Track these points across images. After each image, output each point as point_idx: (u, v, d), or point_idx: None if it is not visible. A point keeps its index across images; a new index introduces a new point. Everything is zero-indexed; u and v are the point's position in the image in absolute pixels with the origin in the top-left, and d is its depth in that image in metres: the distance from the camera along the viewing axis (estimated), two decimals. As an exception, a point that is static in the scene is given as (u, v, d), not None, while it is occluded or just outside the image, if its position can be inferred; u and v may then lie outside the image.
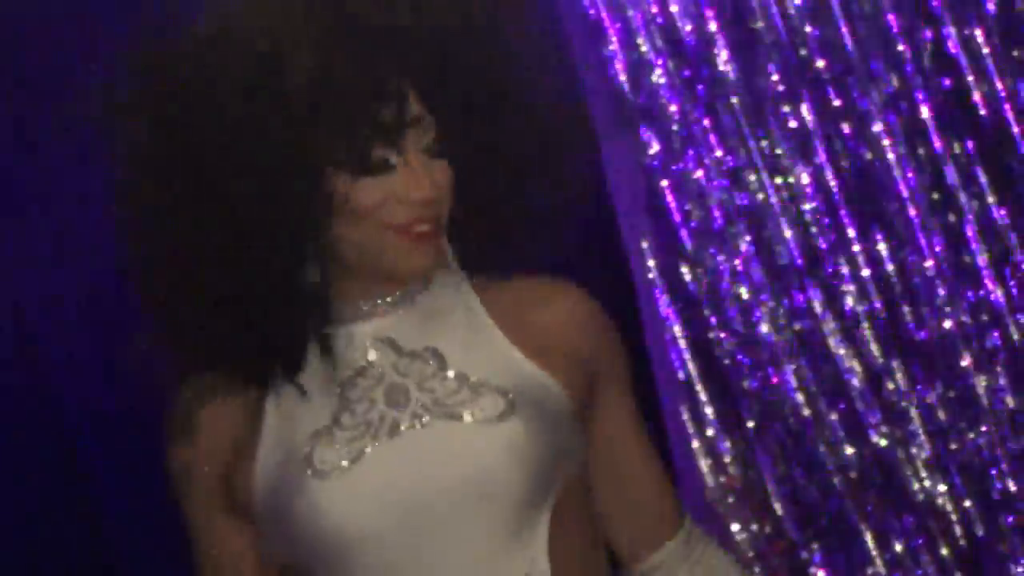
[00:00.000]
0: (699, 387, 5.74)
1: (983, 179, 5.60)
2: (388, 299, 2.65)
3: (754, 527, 5.78)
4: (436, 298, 2.68)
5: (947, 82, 5.47)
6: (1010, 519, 5.69)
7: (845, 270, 5.67)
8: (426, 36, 2.53)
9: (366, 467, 2.53)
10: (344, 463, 2.54)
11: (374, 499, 2.53)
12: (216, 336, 2.63)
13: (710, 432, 5.78)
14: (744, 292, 5.72)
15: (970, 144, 5.59)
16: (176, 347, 2.69)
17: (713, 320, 5.78)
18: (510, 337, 2.67)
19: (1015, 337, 5.59)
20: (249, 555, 2.71)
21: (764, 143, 5.68)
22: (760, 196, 5.75)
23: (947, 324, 5.60)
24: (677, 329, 5.77)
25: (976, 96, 5.44)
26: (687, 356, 5.76)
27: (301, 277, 2.58)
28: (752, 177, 5.74)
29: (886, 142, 5.67)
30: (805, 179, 5.69)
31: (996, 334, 5.63)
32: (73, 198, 6.12)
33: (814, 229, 5.70)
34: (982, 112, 5.52)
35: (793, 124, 5.62)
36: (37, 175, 5.96)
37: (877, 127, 5.62)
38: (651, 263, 5.76)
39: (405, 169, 2.51)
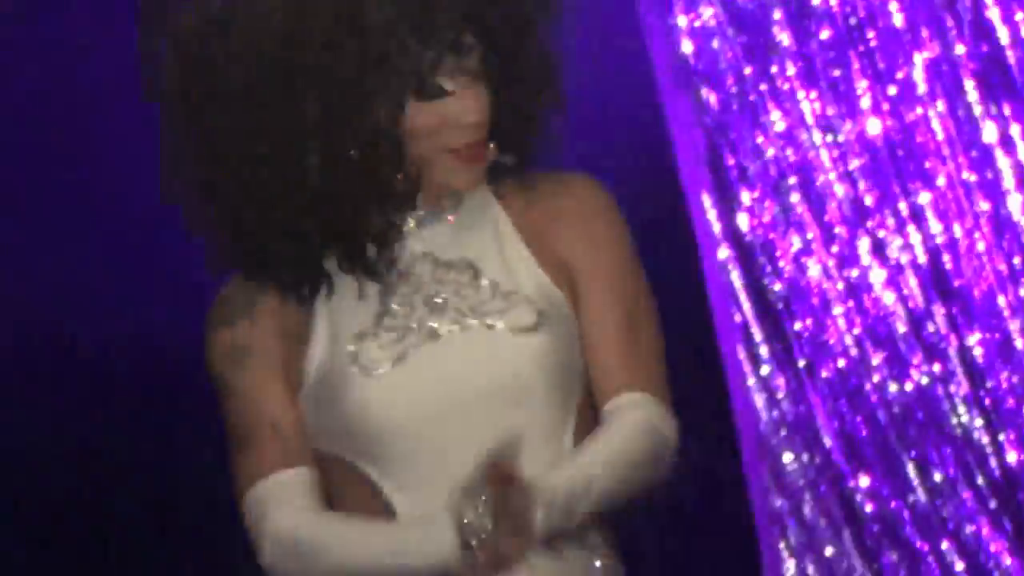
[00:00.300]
0: (755, 329, 6.06)
1: (1018, 138, 5.96)
2: (423, 213, 2.83)
3: (804, 458, 6.13)
4: (467, 212, 2.85)
5: (985, 48, 5.85)
6: None
7: (890, 222, 6.01)
8: None
9: (408, 367, 2.68)
10: (388, 362, 2.70)
11: (414, 397, 2.68)
12: (293, 232, 2.79)
13: (765, 370, 6.13)
14: (796, 241, 6.06)
15: (1006, 105, 5.96)
16: (244, 248, 2.83)
17: (767, 267, 6.12)
18: (531, 250, 2.84)
19: None
20: (300, 426, 2.84)
21: (816, 104, 6.03)
22: (811, 153, 6.09)
23: (985, 272, 5.97)
24: (735, 275, 6.10)
25: (1012, 60, 5.82)
26: (744, 300, 6.09)
27: (369, 182, 2.76)
28: (804, 135, 6.08)
29: (928, 104, 6.04)
30: (853, 137, 6.02)
31: None
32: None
33: (861, 184, 6.06)
34: (1017, 76, 5.88)
35: (842, 87, 5.98)
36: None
37: (921, 90, 5.97)
38: (711, 215, 6.09)
39: (459, 93, 2.69)
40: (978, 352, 6.13)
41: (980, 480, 6.19)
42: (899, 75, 6.06)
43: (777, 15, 5.98)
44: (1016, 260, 6.13)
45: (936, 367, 6.17)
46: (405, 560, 2.65)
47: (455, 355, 2.73)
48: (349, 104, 2.66)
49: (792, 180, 6.12)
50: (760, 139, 6.09)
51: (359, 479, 2.77)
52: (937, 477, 6.22)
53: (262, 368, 2.82)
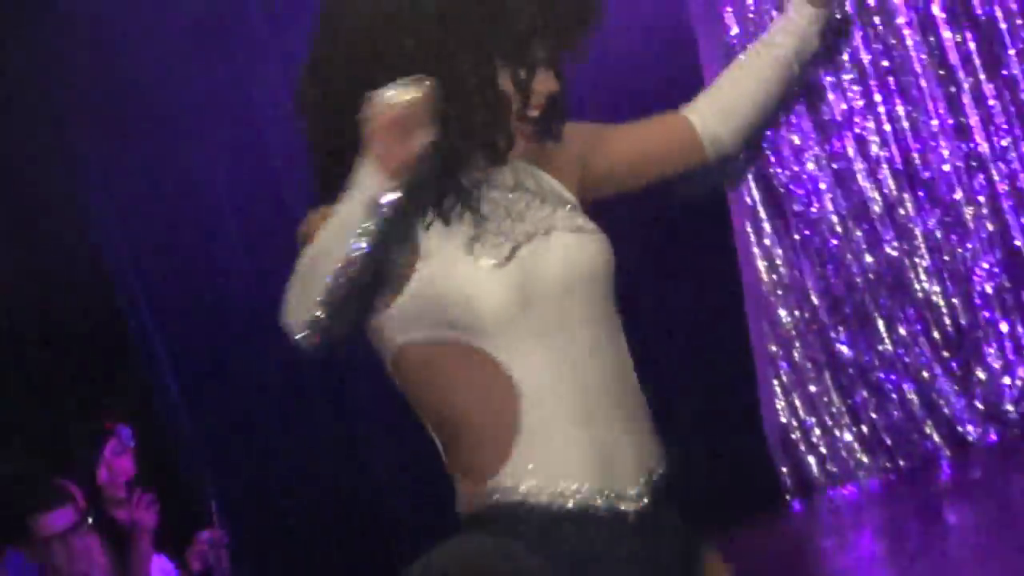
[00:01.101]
0: (760, 208, 7.16)
1: (977, 61, 7.10)
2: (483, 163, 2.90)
3: (796, 313, 7.19)
4: (512, 166, 2.92)
5: None
6: (986, 313, 7.25)
7: (871, 125, 7.11)
8: None
9: (519, 261, 2.80)
10: (503, 258, 2.80)
11: (530, 285, 2.80)
12: None
13: (767, 241, 7.21)
14: (796, 139, 7.16)
15: (968, 34, 7.09)
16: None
17: (773, 159, 7.20)
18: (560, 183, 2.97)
19: (996, 179, 7.12)
20: None
21: None
22: None
23: (946, 167, 7.08)
24: None
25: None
26: (752, 185, 7.15)
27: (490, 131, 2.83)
28: None
29: (906, 32, 7.12)
30: (845, 56, 7.05)
31: (982, 176, 7.17)
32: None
33: (849, 93, 7.18)
34: (979, 12, 7.04)
35: (837, 15, 6.93)
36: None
37: (900, 20, 7.06)
38: None
39: (543, 71, 2.86)
40: (938, 232, 7.25)
41: (936, 334, 7.34)
42: (883, 8, 7.16)
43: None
44: (972, 160, 7.24)
45: (904, 243, 7.27)
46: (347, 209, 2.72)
47: (554, 251, 2.85)
48: (485, 68, 2.81)
49: None
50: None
51: (482, 359, 2.85)
52: (902, 331, 7.36)
53: None
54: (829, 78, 7.23)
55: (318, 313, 2.74)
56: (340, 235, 2.70)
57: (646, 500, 2.87)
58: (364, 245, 2.72)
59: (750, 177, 7.24)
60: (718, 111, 3.07)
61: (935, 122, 7.35)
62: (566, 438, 2.86)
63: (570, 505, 2.85)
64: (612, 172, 3.04)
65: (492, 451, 2.87)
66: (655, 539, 2.89)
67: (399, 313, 2.83)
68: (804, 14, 3.04)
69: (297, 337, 2.74)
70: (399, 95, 2.63)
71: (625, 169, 3.06)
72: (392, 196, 2.67)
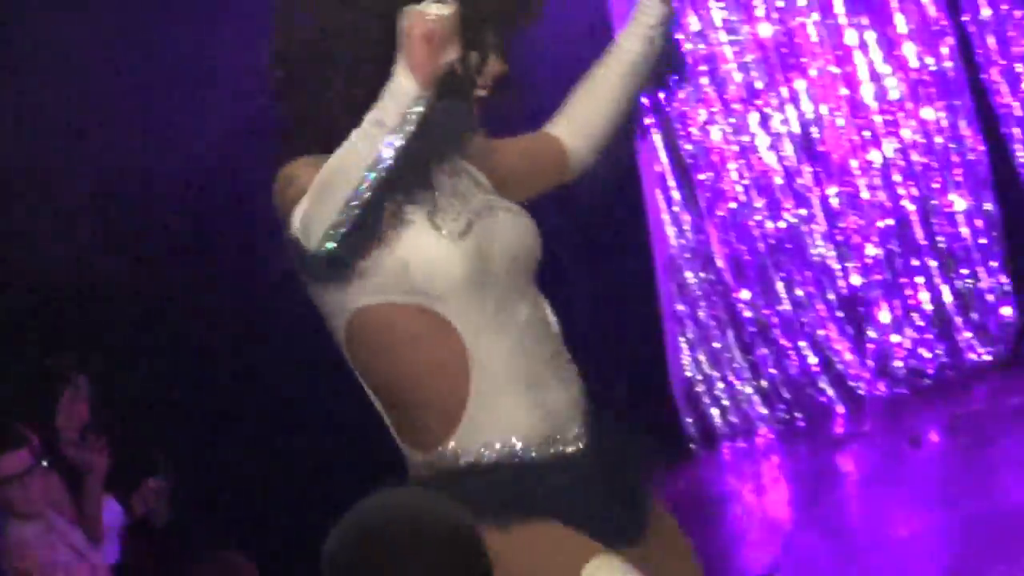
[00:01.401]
0: (669, 177, 7.51)
1: (872, 42, 7.45)
2: None
3: (701, 275, 7.54)
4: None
5: None
6: (877, 276, 7.59)
7: (773, 101, 7.46)
8: None
9: (472, 236, 2.94)
10: (460, 231, 2.94)
11: (480, 259, 2.93)
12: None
13: (676, 208, 7.54)
14: (703, 114, 7.51)
15: (863, 17, 7.42)
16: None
17: (681, 132, 7.53)
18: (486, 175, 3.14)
19: (888, 154, 7.51)
20: None
21: (722, 12, 7.44)
22: (717, 48, 7.51)
23: (842, 141, 7.45)
24: (657, 137, 7.47)
25: None
26: (663, 156, 7.48)
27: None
28: (712, 35, 7.49)
29: (806, 13, 7.43)
30: (749, 37, 7.46)
31: (878, 149, 7.50)
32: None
33: (753, 73, 7.52)
34: None
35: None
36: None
37: (801, 2, 7.37)
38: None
39: (493, 55, 3.02)
40: (834, 201, 7.57)
41: (831, 296, 7.67)
42: None
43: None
44: (866, 133, 7.55)
45: (803, 211, 7.60)
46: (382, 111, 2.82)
47: (501, 227, 3.01)
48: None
49: (703, 67, 7.50)
50: (680, 36, 6.97)
51: (439, 322, 2.96)
52: (799, 292, 7.68)
53: None
54: (734, 58, 7.50)
55: (344, 217, 2.82)
56: (372, 135, 2.77)
57: (585, 440, 3.01)
58: (396, 145, 2.77)
59: (660, 148, 7.51)
60: (577, 129, 3.26)
61: (832, 104, 7.62)
62: (515, 400, 3.00)
63: (522, 458, 2.99)
64: (504, 185, 3.14)
65: (444, 415, 2.99)
66: (598, 472, 3.02)
67: (362, 276, 2.90)
68: (650, 14, 3.19)
69: (316, 246, 2.83)
70: (434, 9, 2.75)
71: (511, 184, 3.16)
72: (422, 104, 2.74)
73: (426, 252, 2.91)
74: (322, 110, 3.00)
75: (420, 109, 2.74)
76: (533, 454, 3.00)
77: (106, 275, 6.99)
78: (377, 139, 2.78)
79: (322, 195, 2.81)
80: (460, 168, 3.07)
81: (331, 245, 2.83)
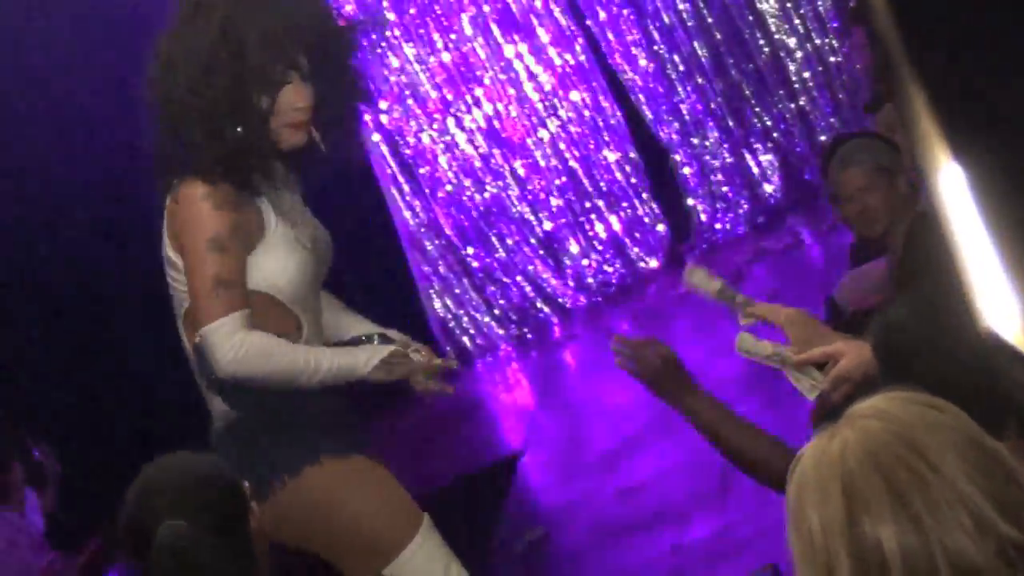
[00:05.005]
0: (398, 174, 8.49)
1: (525, 52, 8.45)
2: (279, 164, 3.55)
3: (436, 241, 8.41)
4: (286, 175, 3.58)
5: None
6: (562, 220, 8.59)
7: (463, 107, 8.47)
8: (312, 24, 3.47)
9: (313, 249, 3.50)
10: (310, 247, 3.51)
11: (316, 266, 3.52)
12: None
13: (408, 196, 8.53)
14: (414, 124, 8.56)
15: (522, 43, 8.46)
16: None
17: (400, 141, 8.52)
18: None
19: (553, 130, 8.52)
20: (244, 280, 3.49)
21: (412, 49, 8.46)
22: (414, 77, 8.53)
23: (518, 127, 8.52)
24: (385, 149, 8.44)
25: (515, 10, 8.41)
26: (391, 159, 8.48)
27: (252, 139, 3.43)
28: (410, 67, 8.52)
29: (473, 40, 8.43)
30: (437, 63, 8.48)
31: (545, 128, 8.50)
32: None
33: (444, 88, 8.51)
34: (519, 17, 8.41)
35: (421, 33, 8.42)
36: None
37: (468, 32, 8.40)
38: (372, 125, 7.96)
39: (294, 88, 3.44)
40: (521, 172, 8.70)
41: (533, 240, 8.75)
42: (455, 24, 8.56)
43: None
44: (534, 118, 8.67)
45: (500, 183, 8.75)
46: (341, 360, 3.41)
47: (323, 241, 3.56)
48: (246, 82, 3.39)
49: (407, 92, 8.66)
50: (386, 72, 8.53)
51: (284, 309, 3.44)
52: (509, 242, 8.81)
53: (244, 240, 3.47)
54: (427, 80, 8.40)
55: (246, 382, 3.39)
56: (323, 377, 3.44)
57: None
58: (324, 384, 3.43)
59: (388, 155, 8.51)
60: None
61: (504, 100, 8.60)
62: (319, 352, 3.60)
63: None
64: None
65: None
66: (350, 407, 3.66)
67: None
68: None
69: (217, 368, 3.36)
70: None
71: None
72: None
73: (288, 262, 3.54)
74: (184, 133, 3.42)
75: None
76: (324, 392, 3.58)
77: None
78: (318, 382, 3.45)
79: (253, 363, 3.39)
80: (299, 218, 3.64)
81: (225, 378, 3.45)
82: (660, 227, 8.87)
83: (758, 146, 8.69)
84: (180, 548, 2.50)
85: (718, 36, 8.57)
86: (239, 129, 3.45)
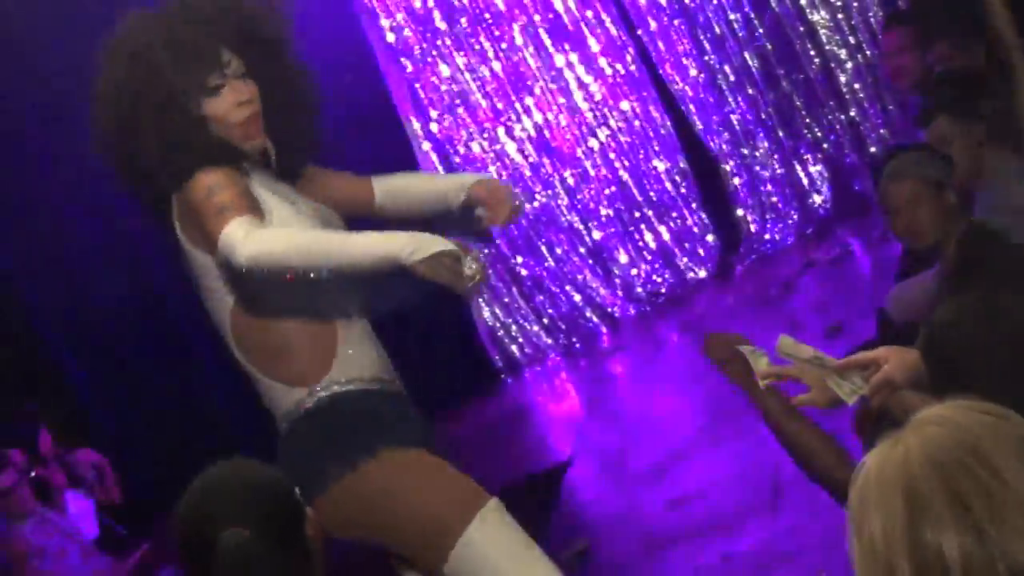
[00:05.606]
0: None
1: (575, 62, 8.52)
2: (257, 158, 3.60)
3: (486, 251, 8.08)
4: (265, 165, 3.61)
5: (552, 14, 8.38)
6: (612, 230, 8.59)
7: (513, 116, 8.51)
8: (234, 18, 3.48)
9: (312, 216, 3.55)
10: (311, 214, 3.55)
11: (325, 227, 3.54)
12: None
13: None
14: (464, 134, 8.58)
15: (573, 53, 8.52)
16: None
17: (451, 149, 8.53)
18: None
19: (603, 139, 8.53)
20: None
21: (463, 58, 8.49)
22: (465, 86, 8.57)
23: (568, 136, 8.56)
24: (434, 156, 8.46)
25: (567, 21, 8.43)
26: (439, 165, 8.47)
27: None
28: (460, 76, 8.54)
29: (523, 49, 8.48)
30: (489, 74, 8.51)
31: (595, 137, 8.52)
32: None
33: (495, 98, 8.57)
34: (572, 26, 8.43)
35: (476, 44, 8.46)
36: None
37: (519, 41, 8.45)
38: (416, 124, 8.42)
39: (230, 88, 3.45)
40: (570, 181, 8.73)
41: (582, 249, 8.78)
42: (506, 34, 8.58)
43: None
44: (584, 128, 8.65)
45: (549, 192, 8.74)
46: (379, 245, 3.20)
47: (327, 214, 3.63)
48: (176, 101, 3.45)
49: (458, 101, 8.67)
50: (436, 81, 8.62)
51: None
52: (558, 251, 8.82)
53: (240, 186, 3.50)
54: (478, 89, 8.42)
55: (274, 271, 3.26)
56: (351, 263, 3.23)
57: (398, 382, 3.66)
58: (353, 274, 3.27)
59: (437, 163, 8.46)
60: (389, 196, 3.82)
61: (554, 110, 8.59)
62: (362, 350, 3.59)
63: (370, 387, 3.53)
64: (325, 204, 3.77)
65: (318, 363, 3.53)
66: (412, 407, 3.62)
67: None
68: (458, 204, 3.76)
69: (240, 261, 3.25)
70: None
71: (327, 204, 3.75)
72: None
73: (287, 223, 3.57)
74: (144, 162, 3.50)
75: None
76: (376, 385, 3.59)
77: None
78: (350, 266, 3.26)
79: (278, 248, 3.26)
80: (295, 197, 3.68)
81: (250, 268, 3.35)
82: (709, 237, 8.89)
83: (808, 157, 8.70)
84: (243, 554, 2.49)
85: (769, 47, 8.59)
86: (190, 142, 3.49)
